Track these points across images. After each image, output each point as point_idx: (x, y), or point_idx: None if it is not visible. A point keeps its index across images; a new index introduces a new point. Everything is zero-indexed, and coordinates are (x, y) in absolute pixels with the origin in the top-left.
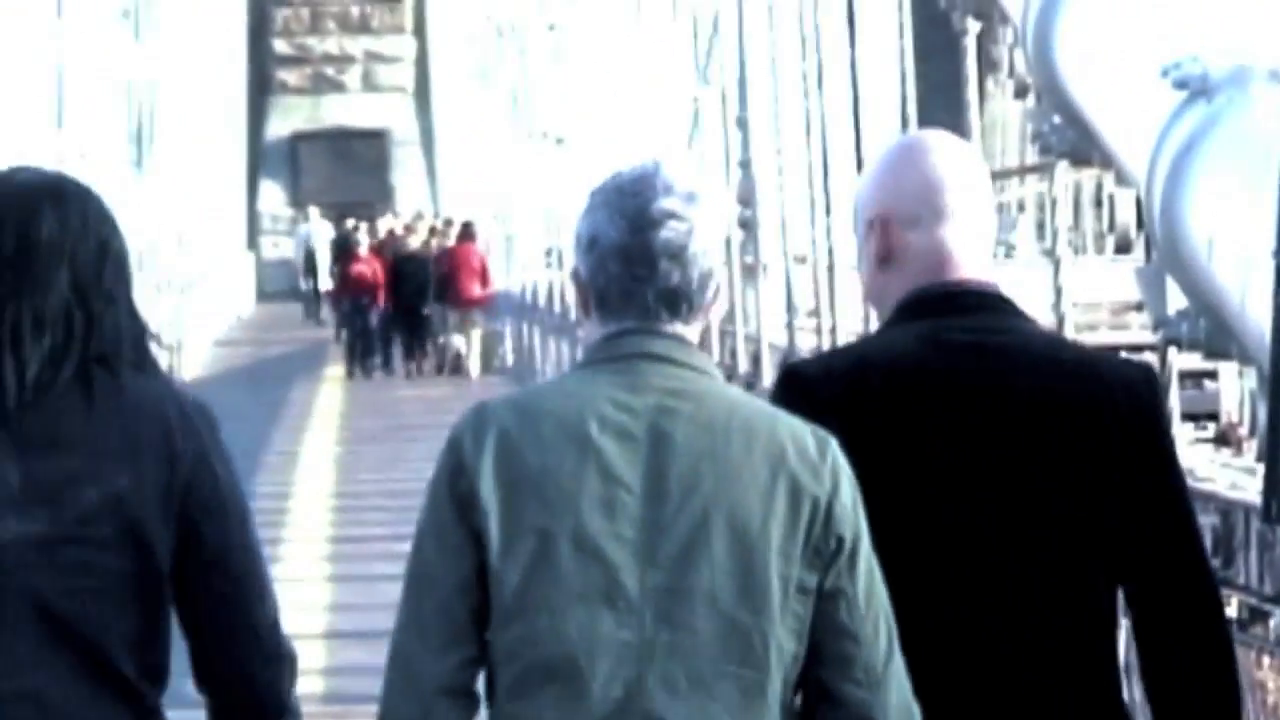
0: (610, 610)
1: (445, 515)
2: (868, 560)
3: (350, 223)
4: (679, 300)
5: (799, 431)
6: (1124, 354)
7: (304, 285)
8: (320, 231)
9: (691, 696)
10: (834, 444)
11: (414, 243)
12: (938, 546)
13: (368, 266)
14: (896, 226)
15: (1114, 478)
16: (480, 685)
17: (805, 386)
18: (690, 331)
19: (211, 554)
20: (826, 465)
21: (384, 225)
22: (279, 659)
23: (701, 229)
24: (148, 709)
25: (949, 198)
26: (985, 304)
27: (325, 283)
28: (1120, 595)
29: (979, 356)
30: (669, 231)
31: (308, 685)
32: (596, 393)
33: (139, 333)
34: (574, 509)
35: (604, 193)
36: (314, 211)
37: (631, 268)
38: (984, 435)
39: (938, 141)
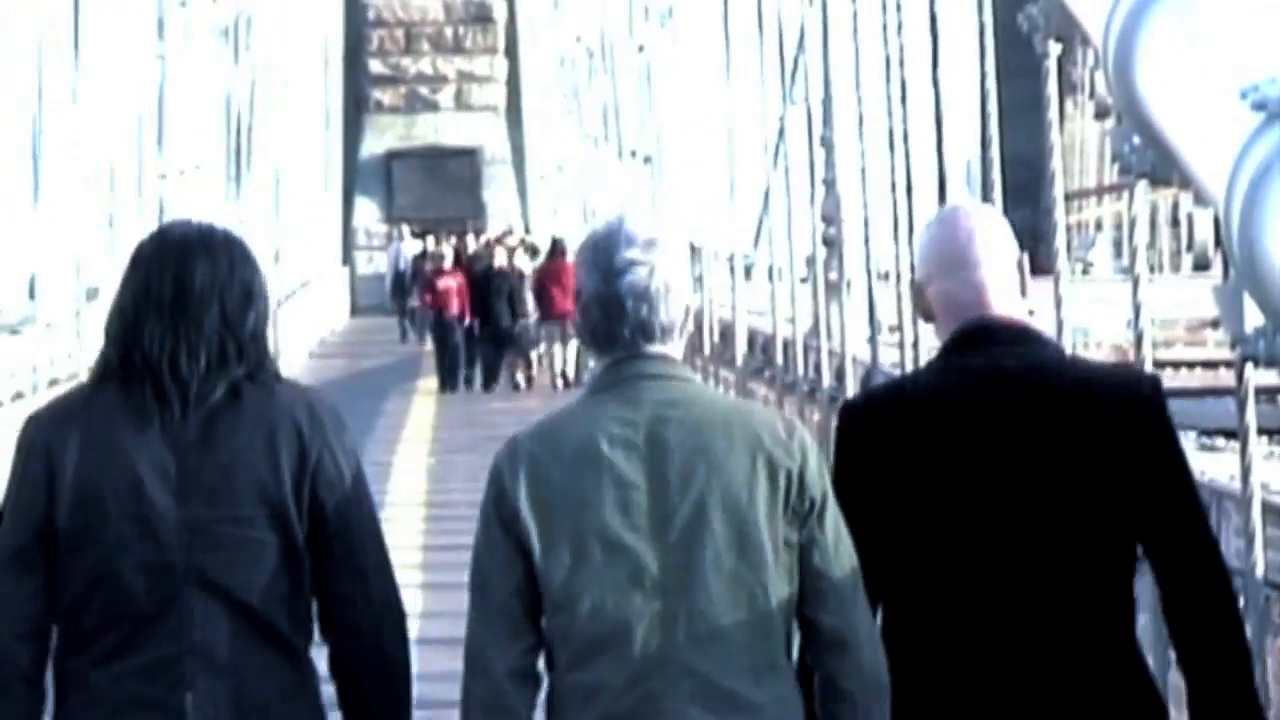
0: (638, 589)
1: (495, 533)
2: (834, 515)
3: (431, 240)
4: (651, 330)
5: (770, 419)
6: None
7: (391, 304)
8: (410, 249)
9: (712, 644)
10: (799, 425)
11: (498, 260)
12: (967, 535)
13: (454, 280)
14: (934, 285)
15: (1125, 468)
16: (541, 666)
17: (850, 411)
18: (671, 349)
19: (335, 527)
20: (795, 443)
21: (470, 242)
22: (390, 618)
23: (661, 268)
24: (299, 655)
25: (975, 251)
26: (1007, 336)
27: (413, 303)
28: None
29: (995, 379)
30: (632, 279)
31: None
32: (603, 414)
33: (268, 357)
34: (596, 513)
35: (584, 251)
36: (405, 229)
37: (607, 310)
38: (1001, 441)
39: (960, 208)
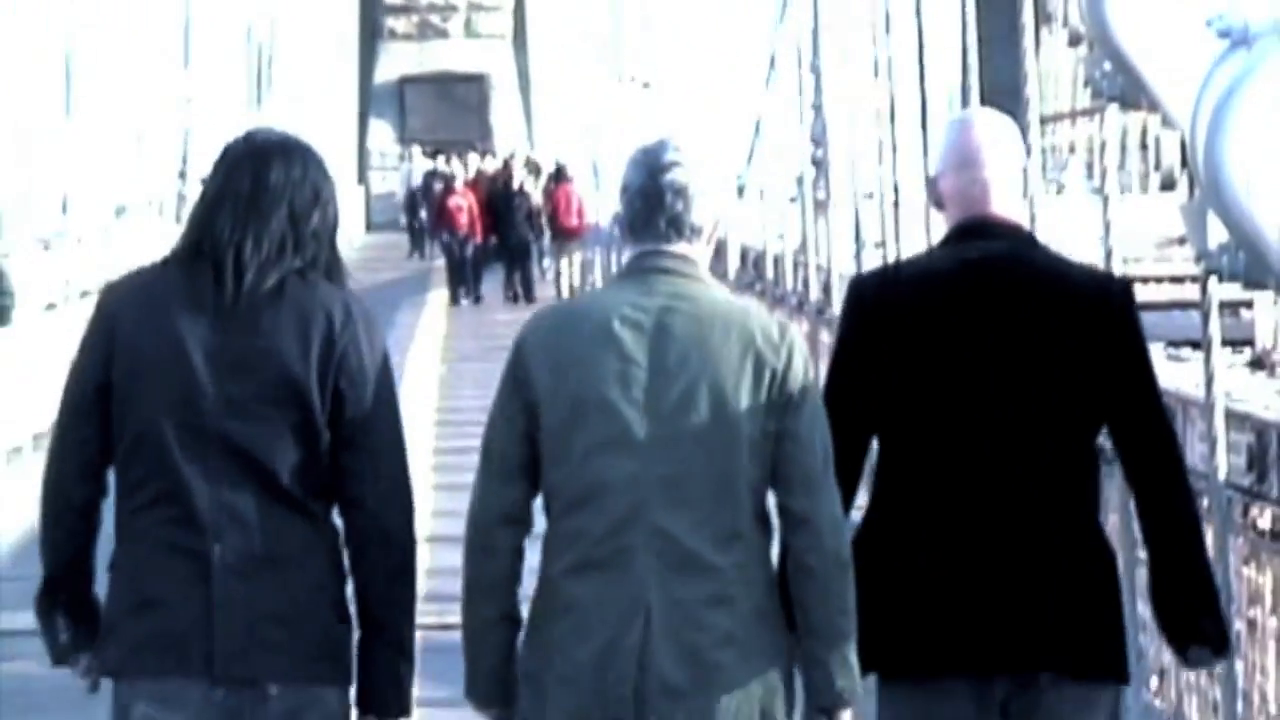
0: (624, 452)
1: (507, 391)
2: (811, 410)
3: (442, 160)
4: (683, 225)
5: (766, 322)
6: (1149, 280)
7: (403, 220)
8: (423, 169)
9: (681, 509)
10: (792, 328)
11: (516, 180)
12: (950, 409)
13: (464, 199)
14: (945, 179)
15: (1095, 358)
16: (535, 511)
17: (861, 291)
18: (695, 250)
19: (353, 413)
20: (784, 345)
21: (474, 163)
22: (397, 496)
23: (698, 178)
24: (317, 518)
25: (984, 154)
26: (1002, 232)
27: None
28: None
29: (985, 267)
30: (673, 176)
31: None
32: (621, 298)
33: (335, 258)
34: (598, 381)
35: (633, 156)
36: (416, 150)
37: (648, 201)
38: (990, 322)
39: (977, 114)
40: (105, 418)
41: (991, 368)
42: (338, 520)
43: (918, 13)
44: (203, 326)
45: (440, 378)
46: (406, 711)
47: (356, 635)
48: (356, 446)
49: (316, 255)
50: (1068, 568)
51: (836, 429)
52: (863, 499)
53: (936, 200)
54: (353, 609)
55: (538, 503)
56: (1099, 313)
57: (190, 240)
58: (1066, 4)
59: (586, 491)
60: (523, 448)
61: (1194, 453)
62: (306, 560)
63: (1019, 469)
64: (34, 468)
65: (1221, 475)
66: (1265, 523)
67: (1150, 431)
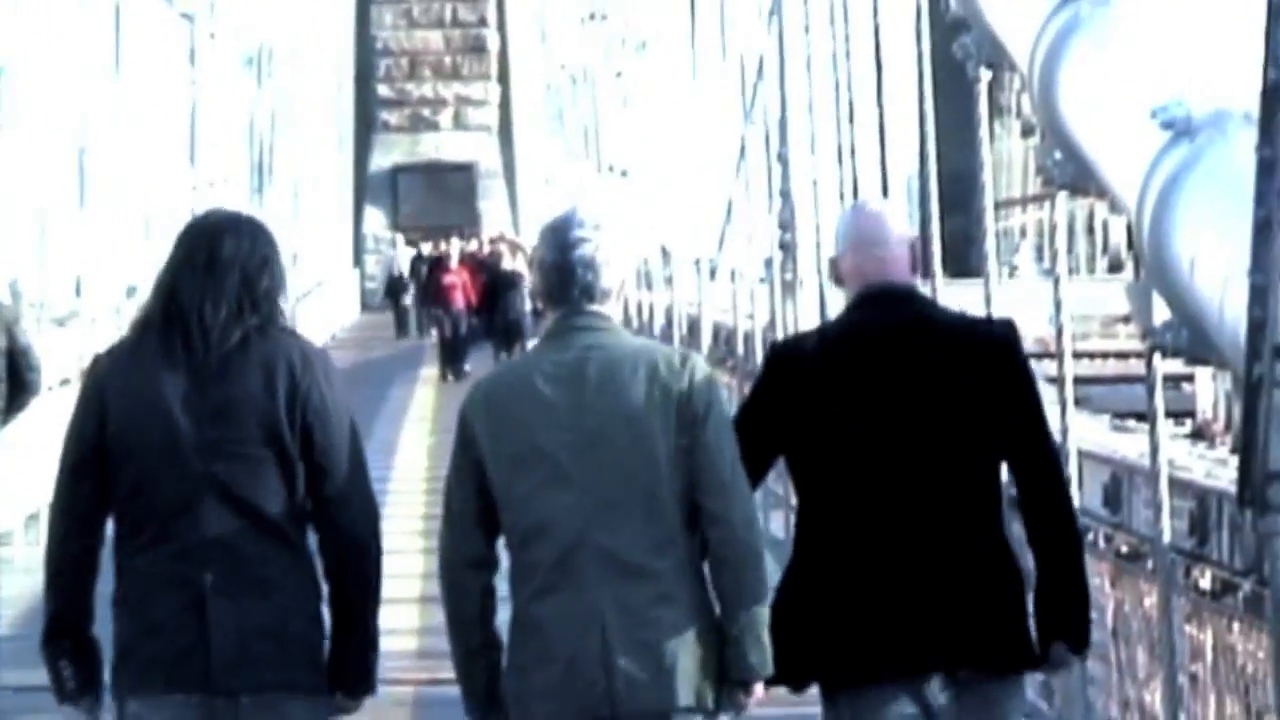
0: (561, 487)
1: (458, 454)
2: (716, 423)
3: (444, 244)
4: (594, 291)
5: (668, 352)
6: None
7: (386, 303)
8: (404, 256)
9: (617, 527)
10: (693, 356)
11: (505, 262)
12: (864, 463)
13: (458, 278)
14: (846, 259)
15: (989, 394)
16: (498, 550)
17: (778, 353)
18: (608, 308)
19: (320, 445)
20: (685, 371)
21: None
22: (367, 514)
23: (604, 246)
24: (295, 545)
25: (878, 234)
26: (899, 295)
27: (409, 301)
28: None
29: (889, 329)
30: (581, 251)
31: (402, 643)
32: (543, 358)
33: (281, 311)
34: (530, 432)
35: (544, 232)
36: (399, 238)
37: (561, 275)
38: (892, 368)
39: (869, 202)
40: (101, 474)
41: (897, 408)
42: (311, 541)
43: (879, 106)
44: (181, 383)
45: (429, 448)
46: (373, 690)
47: (329, 633)
48: (327, 473)
49: (270, 312)
50: (978, 577)
51: (742, 450)
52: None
53: (836, 278)
54: (326, 620)
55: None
56: (987, 355)
57: (159, 306)
58: (1019, 97)
59: (535, 527)
60: (476, 500)
61: (1139, 518)
62: (287, 581)
63: (928, 496)
64: (27, 550)
65: (1166, 539)
66: (1206, 583)
67: (1036, 459)
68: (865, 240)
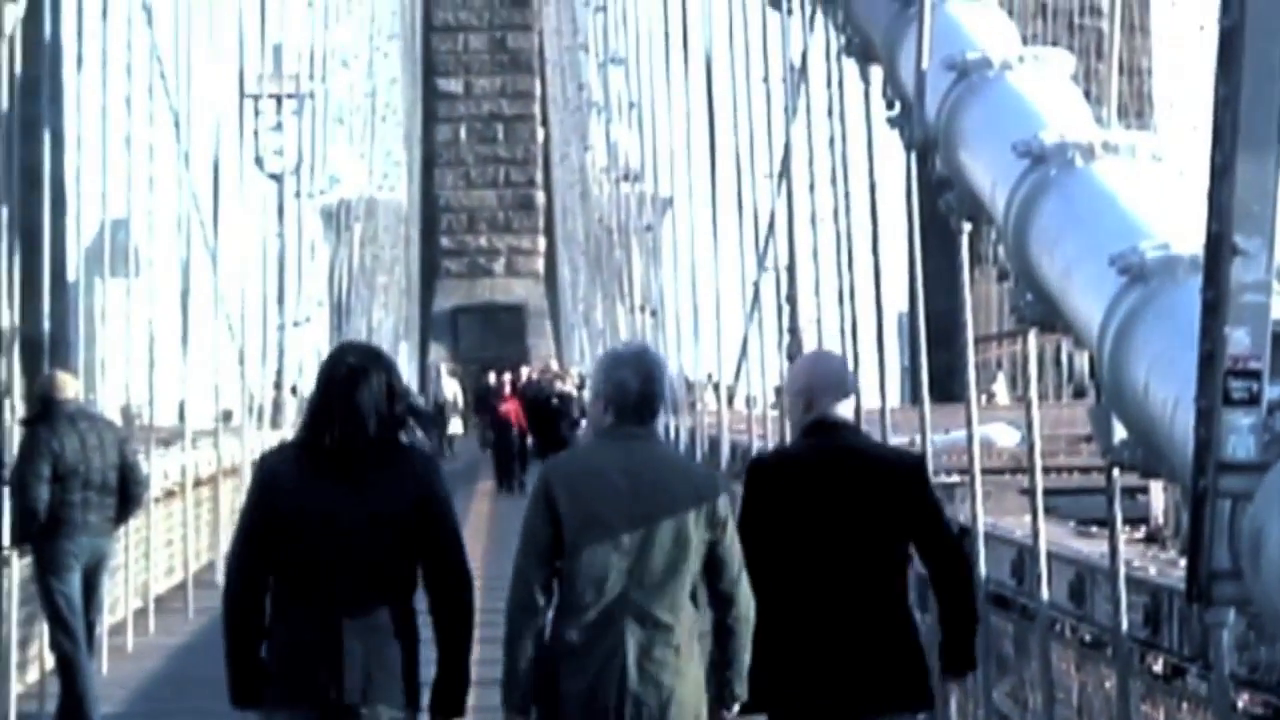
0: (615, 551)
1: (540, 506)
2: (731, 529)
3: (499, 375)
4: (654, 413)
5: (705, 472)
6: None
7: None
8: (448, 386)
9: (650, 589)
10: (718, 477)
11: (559, 387)
12: (810, 550)
13: (511, 405)
14: (799, 396)
15: (904, 510)
16: (555, 585)
17: (754, 469)
18: (655, 425)
19: (433, 532)
20: (717, 488)
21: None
22: (467, 582)
23: (660, 380)
24: (403, 601)
25: (825, 378)
26: (838, 428)
27: (454, 428)
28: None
29: (831, 455)
30: (654, 386)
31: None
32: (609, 452)
33: (408, 424)
34: (597, 504)
35: (626, 358)
36: (443, 369)
37: (636, 399)
38: (832, 492)
39: (820, 353)
40: (265, 545)
41: (837, 514)
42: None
43: (874, 252)
44: (336, 488)
45: (484, 549)
46: (463, 713)
47: (434, 668)
48: (436, 552)
49: (399, 426)
50: (888, 639)
51: (746, 549)
52: None
53: (790, 406)
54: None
55: None
56: (902, 478)
57: (313, 434)
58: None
59: (588, 577)
60: (551, 545)
61: (1100, 611)
62: (399, 628)
63: (855, 579)
64: (151, 626)
65: (1124, 629)
66: (1159, 668)
67: (941, 544)
68: (816, 381)
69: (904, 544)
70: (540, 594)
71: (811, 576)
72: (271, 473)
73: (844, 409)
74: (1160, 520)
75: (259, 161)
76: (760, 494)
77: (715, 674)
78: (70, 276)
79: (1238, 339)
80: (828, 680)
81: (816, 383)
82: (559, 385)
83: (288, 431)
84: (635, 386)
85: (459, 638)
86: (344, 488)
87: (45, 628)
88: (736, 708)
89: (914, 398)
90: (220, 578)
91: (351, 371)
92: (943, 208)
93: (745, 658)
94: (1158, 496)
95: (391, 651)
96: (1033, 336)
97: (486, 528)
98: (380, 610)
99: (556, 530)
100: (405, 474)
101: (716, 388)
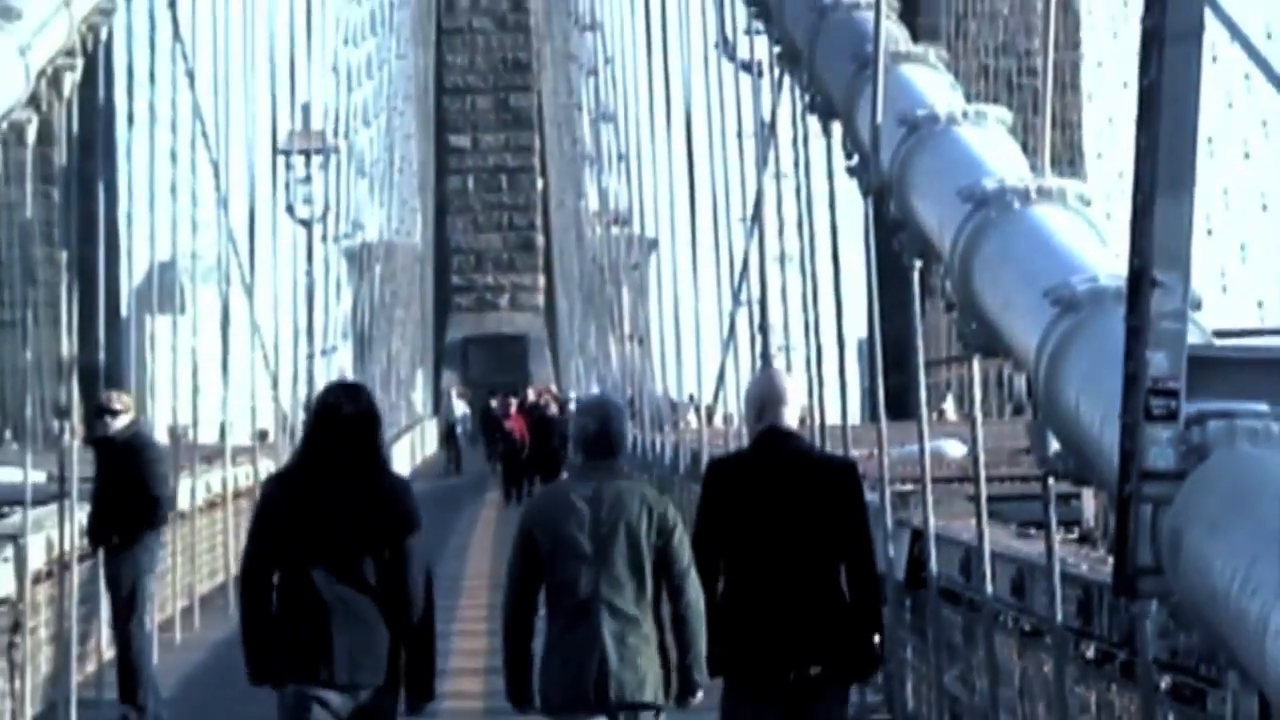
0: (583, 562)
1: (521, 541)
2: (680, 534)
3: (505, 398)
4: (616, 449)
5: (655, 492)
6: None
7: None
8: (458, 407)
9: (616, 588)
10: (665, 496)
11: (553, 411)
12: (757, 544)
13: (517, 424)
14: (752, 407)
15: (836, 513)
16: (540, 602)
17: (711, 468)
18: (617, 458)
19: (398, 551)
20: (663, 502)
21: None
22: (413, 600)
23: (622, 422)
24: (380, 598)
25: (775, 393)
26: (785, 436)
27: (462, 444)
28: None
29: (778, 457)
30: (614, 426)
31: (470, 704)
32: (575, 485)
33: (385, 450)
34: (566, 527)
35: (591, 406)
36: (454, 392)
37: (597, 438)
38: (778, 493)
39: (770, 371)
40: (269, 550)
41: (781, 507)
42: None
43: (836, 287)
44: (325, 505)
45: (492, 552)
46: (433, 697)
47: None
48: (400, 572)
49: (380, 455)
50: (826, 615)
51: (697, 548)
52: None
53: (746, 416)
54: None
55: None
56: (837, 480)
57: (305, 464)
58: (944, 281)
59: (566, 583)
60: (530, 566)
61: (1039, 604)
62: (378, 622)
63: (798, 564)
64: (196, 623)
65: (1059, 619)
66: (1091, 654)
67: (857, 544)
68: (768, 396)
69: (839, 532)
70: (525, 609)
71: (759, 559)
72: (271, 490)
73: (790, 418)
74: (1091, 523)
75: (290, 209)
76: (717, 490)
77: (678, 664)
78: (123, 312)
79: (1158, 362)
80: (773, 646)
81: (767, 396)
82: (552, 408)
83: None
84: (594, 429)
85: (417, 636)
86: (331, 504)
87: (103, 623)
88: (700, 694)
89: (873, 415)
90: None
91: (337, 405)
92: (896, 247)
93: (700, 645)
94: (1089, 502)
95: (376, 639)
96: (977, 361)
97: (494, 532)
98: (363, 604)
99: (535, 555)
100: (380, 495)
101: (698, 408)
